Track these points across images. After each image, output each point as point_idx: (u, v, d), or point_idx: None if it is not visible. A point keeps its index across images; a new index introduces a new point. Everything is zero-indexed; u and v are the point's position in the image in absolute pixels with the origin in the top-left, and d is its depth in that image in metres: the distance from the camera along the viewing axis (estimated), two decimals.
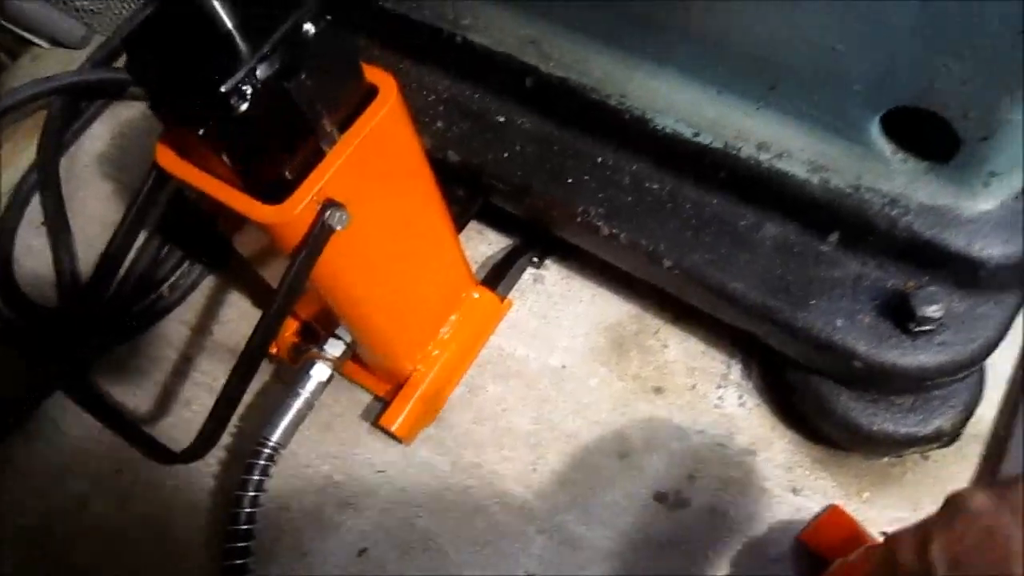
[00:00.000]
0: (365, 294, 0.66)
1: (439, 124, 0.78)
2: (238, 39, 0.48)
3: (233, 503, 0.72)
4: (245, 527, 0.72)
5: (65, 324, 0.91)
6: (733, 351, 0.80)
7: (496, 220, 0.90)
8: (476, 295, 0.81)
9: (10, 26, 1.01)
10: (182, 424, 0.87)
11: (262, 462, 0.73)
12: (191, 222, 0.92)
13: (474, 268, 0.85)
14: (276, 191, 0.54)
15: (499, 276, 0.84)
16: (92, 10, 1.04)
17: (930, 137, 0.57)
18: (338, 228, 0.56)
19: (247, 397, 0.85)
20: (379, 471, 0.80)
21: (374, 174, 0.60)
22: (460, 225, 0.82)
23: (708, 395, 0.78)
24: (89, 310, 0.89)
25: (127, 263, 0.91)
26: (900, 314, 0.60)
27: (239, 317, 0.92)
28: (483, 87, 0.77)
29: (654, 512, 0.74)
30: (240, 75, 0.46)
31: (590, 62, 0.69)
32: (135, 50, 0.50)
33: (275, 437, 0.74)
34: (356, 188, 0.57)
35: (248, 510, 0.72)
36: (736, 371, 0.79)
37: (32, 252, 0.98)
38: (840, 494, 0.73)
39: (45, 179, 0.99)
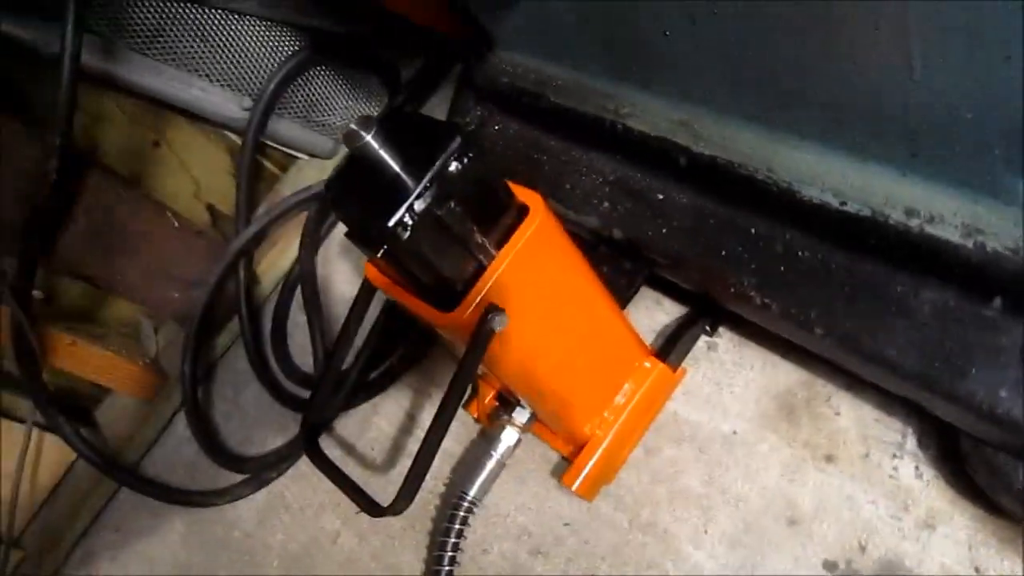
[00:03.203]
0: (533, 375, 0.75)
1: (605, 204, 0.85)
2: (403, 176, 0.60)
3: (437, 547, 0.85)
4: (448, 568, 0.83)
5: (317, 389, 1.11)
6: (909, 419, 0.76)
7: (672, 289, 0.94)
8: (647, 364, 0.86)
9: (278, 146, 1.27)
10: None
11: (461, 513, 0.85)
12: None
13: (652, 336, 0.90)
14: (450, 299, 0.65)
15: (673, 345, 0.88)
16: (337, 126, 1.28)
17: None
18: (498, 329, 0.65)
19: (458, 452, 0.98)
20: (565, 523, 0.88)
21: (531, 279, 0.68)
22: (629, 295, 0.87)
23: (882, 464, 0.75)
24: (336, 377, 1.09)
25: (360, 342, 1.10)
26: None
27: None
28: (643, 168, 0.84)
29: None
30: (401, 211, 0.58)
31: (737, 139, 0.73)
32: (334, 192, 0.65)
33: (472, 492, 0.86)
34: (514, 293, 0.66)
35: (450, 553, 0.84)
36: (912, 441, 0.75)
37: (301, 328, 1.21)
38: None
39: (304, 270, 1.22)
